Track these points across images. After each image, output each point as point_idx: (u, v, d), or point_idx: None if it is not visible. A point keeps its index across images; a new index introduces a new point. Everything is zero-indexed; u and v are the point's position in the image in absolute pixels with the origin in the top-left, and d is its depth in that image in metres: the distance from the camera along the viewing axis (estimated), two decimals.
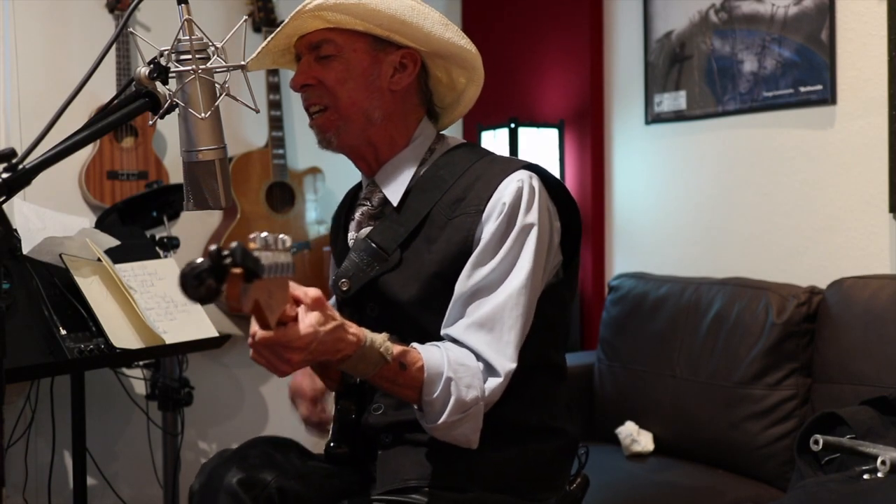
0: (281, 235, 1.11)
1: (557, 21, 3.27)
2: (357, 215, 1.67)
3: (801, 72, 2.54)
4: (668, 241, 2.95)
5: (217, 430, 3.26)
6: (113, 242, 2.11)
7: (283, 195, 3.19)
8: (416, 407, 1.48)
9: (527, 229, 1.50)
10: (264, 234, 1.11)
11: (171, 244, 2.64)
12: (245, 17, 1.33)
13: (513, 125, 3.07)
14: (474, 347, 1.47)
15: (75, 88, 1.20)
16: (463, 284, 1.50)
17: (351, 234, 1.68)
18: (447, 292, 1.52)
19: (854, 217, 2.44)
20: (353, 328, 1.34)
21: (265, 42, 1.58)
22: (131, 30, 1.26)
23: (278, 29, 1.55)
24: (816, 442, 1.67)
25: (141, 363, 2.80)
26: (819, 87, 2.50)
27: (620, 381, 2.65)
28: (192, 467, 3.14)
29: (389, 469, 1.57)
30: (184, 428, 2.85)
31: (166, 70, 1.25)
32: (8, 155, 1.14)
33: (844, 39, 2.45)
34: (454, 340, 1.49)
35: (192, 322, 2.12)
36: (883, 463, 1.53)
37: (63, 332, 1.92)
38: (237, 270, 1.04)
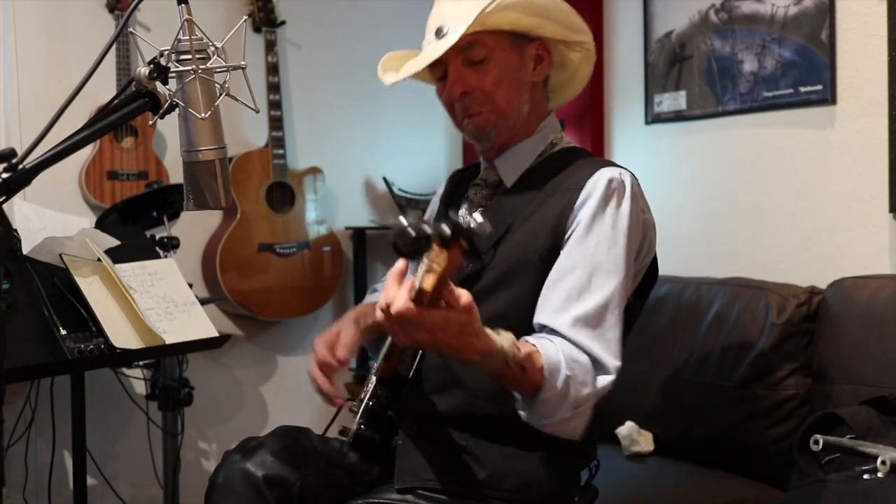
0: (486, 224, 1.15)
1: None
2: (471, 194, 1.73)
3: (801, 72, 2.54)
4: (667, 241, 2.93)
5: (217, 430, 3.26)
6: (113, 242, 2.11)
7: (283, 195, 3.19)
8: (520, 401, 1.49)
9: (623, 222, 1.54)
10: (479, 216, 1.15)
11: (171, 244, 2.64)
12: (245, 17, 1.33)
13: None
14: (582, 344, 1.49)
15: (75, 88, 1.20)
16: (563, 263, 1.54)
17: (462, 212, 1.71)
18: (541, 265, 1.55)
19: (854, 217, 2.44)
20: (484, 338, 1.35)
21: (423, 60, 1.59)
22: (131, 30, 1.25)
23: (444, 44, 1.55)
24: (816, 442, 1.67)
25: (141, 363, 2.80)
26: (819, 87, 2.50)
27: (620, 381, 2.63)
28: (192, 467, 3.14)
29: (406, 464, 1.58)
30: (184, 428, 2.86)
31: (166, 70, 1.25)
32: (8, 155, 1.14)
33: (844, 39, 2.45)
34: (558, 334, 1.50)
35: (192, 322, 2.12)
36: (883, 463, 1.53)
37: (63, 332, 1.92)
38: (464, 244, 1.11)
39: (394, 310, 1.25)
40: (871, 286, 2.21)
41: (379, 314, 1.29)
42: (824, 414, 1.76)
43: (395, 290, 1.28)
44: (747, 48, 2.68)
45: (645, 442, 2.50)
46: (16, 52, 2.85)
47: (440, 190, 1.95)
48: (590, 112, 3.17)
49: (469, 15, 1.53)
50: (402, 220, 1.11)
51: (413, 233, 1.10)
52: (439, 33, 1.59)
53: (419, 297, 1.22)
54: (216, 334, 2.15)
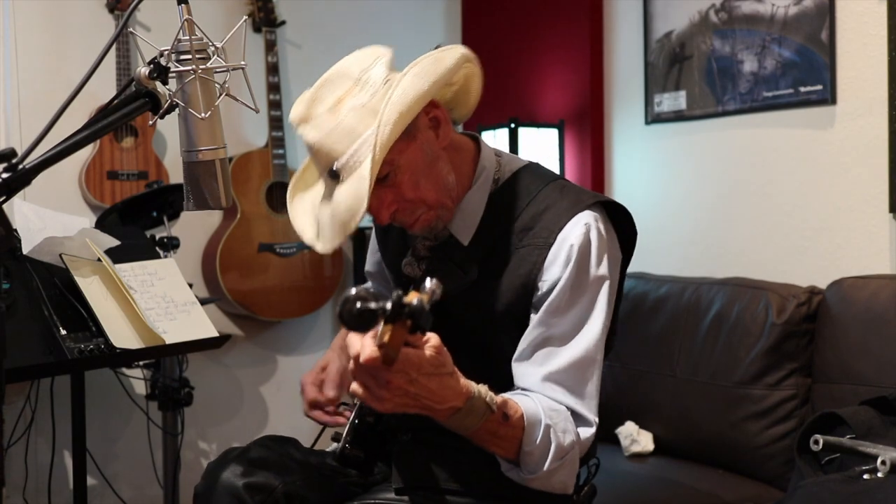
0: (437, 289, 1.13)
1: (557, 21, 3.27)
2: (419, 244, 1.63)
3: (801, 72, 2.54)
4: (668, 241, 2.95)
5: (217, 430, 3.26)
6: (113, 242, 2.11)
7: (283, 195, 3.18)
8: (505, 462, 1.47)
9: (599, 282, 1.50)
10: (431, 282, 1.13)
11: (171, 244, 2.64)
12: (245, 17, 1.33)
13: (513, 125, 3.07)
14: (557, 399, 1.48)
15: (75, 88, 1.20)
16: (536, 331, 1.50)
17: (408, 262, 1.64)
18: (513, 323, 1.52)
19: (854, 217, 2.44)
20: (462, 379, 1.31)
21: (343, 227, 1.45)
22: (131, 30, 1.26)
23: (356, 203, 1.42)
24: (816, 442, 1.67)
25: (141, 363, 2.80)
26: (819, 87, 2.50)
27: (620, 381, 2.65)
28: (192, 467, 3.14)
29: (408, 466, 1.58)
30: (184, 428, 2.85)
31: (166, 70, 1.25)
32: (8, 155, 1.14)
33: (844, 39, 2.45)
34: (530, 391, 1.49)
35: (192, 322, 2.12)
36: (883, 463, 1.52)
37: (63, 332, 1.92)
38: (408, 322, 1.09)
39: (363, 357, 1.19)
40: (871, 286, 2.21)
41: (355, 378, 1.25)
42: (824, 414, 1.76)
43: (359, 341, 1.22)
44: (747, 48, 2.68)
45: (645, 442, 2.50)
46: (16, 52, 2.85)
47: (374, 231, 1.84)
48: (590, 112, 3.17)
49: (355, 150, 1.43)
50: (352, 290, 1.07)
51: (358, 306, 1.06)
52: (335, 177, 1.46)
53: (383, 345, 1.17)
54: (216, 334, 2.15)
